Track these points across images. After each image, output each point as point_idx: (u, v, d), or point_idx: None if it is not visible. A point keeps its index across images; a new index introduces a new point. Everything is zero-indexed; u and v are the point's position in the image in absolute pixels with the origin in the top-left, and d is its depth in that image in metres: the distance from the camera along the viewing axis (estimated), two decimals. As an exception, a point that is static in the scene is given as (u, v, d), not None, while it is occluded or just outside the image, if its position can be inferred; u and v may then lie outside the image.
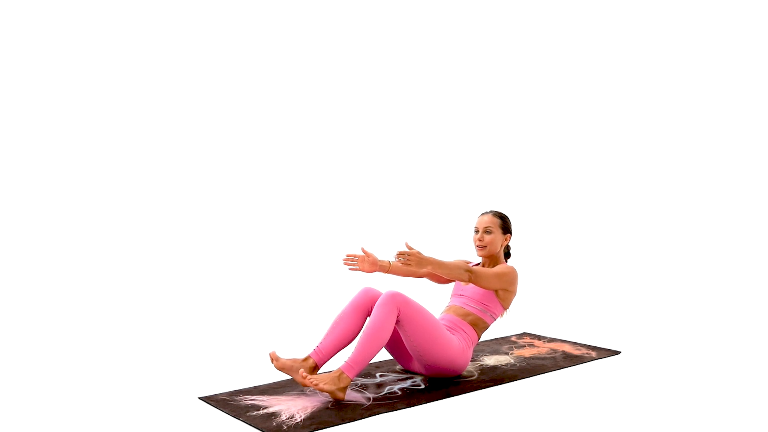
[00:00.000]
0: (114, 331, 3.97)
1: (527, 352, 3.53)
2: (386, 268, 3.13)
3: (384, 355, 3.46)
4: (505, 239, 3.22)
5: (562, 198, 6.01)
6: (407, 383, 2.99)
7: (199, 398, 2.78)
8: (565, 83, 6.03)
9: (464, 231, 4.97)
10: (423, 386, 2.95)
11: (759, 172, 5.13)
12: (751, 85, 5.16)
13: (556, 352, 3.52)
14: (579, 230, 5.84)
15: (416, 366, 3.06)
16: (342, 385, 2.69)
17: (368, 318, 2.96)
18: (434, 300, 4.13)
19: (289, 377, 3.01)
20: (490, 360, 3.38)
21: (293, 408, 2.64)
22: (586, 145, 5.93)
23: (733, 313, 4.33)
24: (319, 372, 2.98)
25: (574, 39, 5.97)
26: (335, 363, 3.14)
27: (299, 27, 6.02)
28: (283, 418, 2.54)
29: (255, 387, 2.94)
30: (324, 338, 2.88)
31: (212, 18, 5.76)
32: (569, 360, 3.37)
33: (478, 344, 3.70)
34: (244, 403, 2.72)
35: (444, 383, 2.99)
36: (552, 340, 3.81)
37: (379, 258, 3.12)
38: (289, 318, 4.37)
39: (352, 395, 2.81)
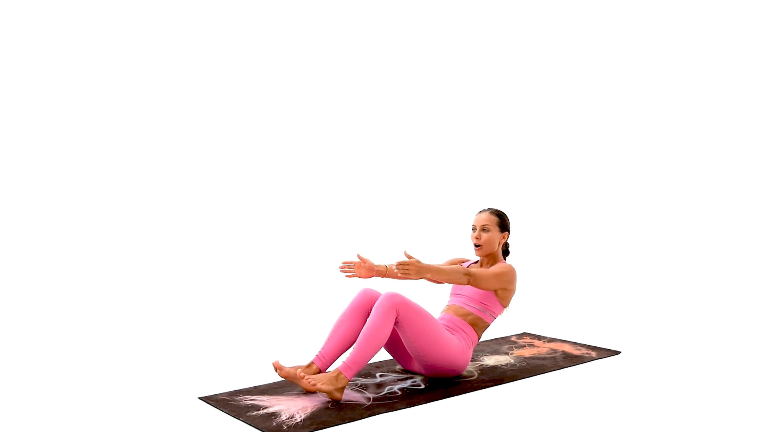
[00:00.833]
0: (114, 332, 3.97)
1: (527, 352, 3.53)
2: (383, 273, 3.11)
3: (384, 355, 3.46)
4: (503, 237, 3.20)
5: (562, 198, 6.01)
6: (407, 383, 2.99)
7: (199, 398, 2.78)
8: (565, 81, 6.03)
9: (464, 230, 4.97)
10: (423, 386, 2.95)
11: (759, 172, 5.13)
12: (751, 84, 5.16)
13: (556, 352, 3.52)
14: (579, 230, 5.84)
15: (416, 366, 3.06)
16: (339, 385, 2.69)
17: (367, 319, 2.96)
18: (434, 300, 4.13)
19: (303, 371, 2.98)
20: (490, 360, 3.38)
21: (293, 408, 2.64)
22: (587, 145, 5.93)
23: (733, 313, 4.33)
24: None
25: (570, 35, 5.97)
26: (336, 365, 3.14)
27: (294, 27, 6.02)
28: (283, 418, 2.54)
29: (255, 387, 2.94)
30: (326, 343, 2.88)
31: (211, 18, 5.76)
32: (569, 360, 3.37)
33: (478, 344, 3.70)
34: (244, 403, 2.72)
35: (444, 383, 2.99)
36: (552, 340, 3.81)
37: (376, 263, 3.12)
38: (289, 318, 4.37)
39: (352, 395, 2.81)
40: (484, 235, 3.15)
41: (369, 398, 2.78)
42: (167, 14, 5.60)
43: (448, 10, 6.27)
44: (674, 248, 5.35)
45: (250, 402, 2.73)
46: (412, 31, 6.27)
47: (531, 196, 6.13)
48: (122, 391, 2.90)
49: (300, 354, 3.41)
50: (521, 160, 6.24)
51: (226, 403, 2.72)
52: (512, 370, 3.20)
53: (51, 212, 5.25)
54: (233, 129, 5.87)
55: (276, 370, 2.83)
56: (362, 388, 2.91)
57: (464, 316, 3.09)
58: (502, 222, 3.20)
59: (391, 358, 3.38)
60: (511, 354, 3.51)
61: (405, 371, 3.16)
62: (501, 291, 3.09)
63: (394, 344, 3.05)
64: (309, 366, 2.84)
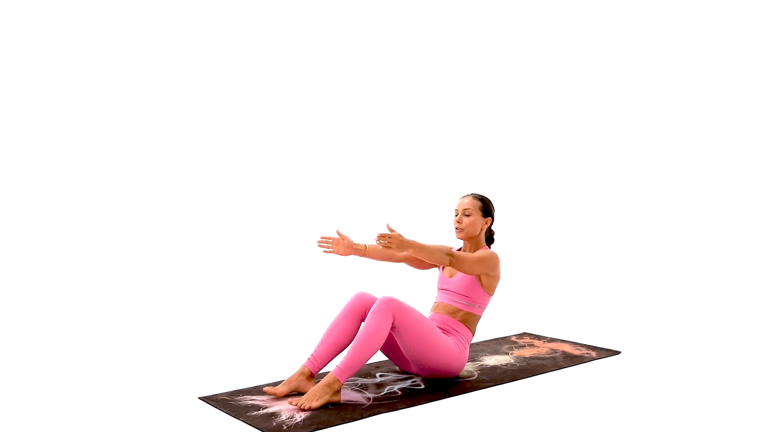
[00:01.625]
0: (114, 332, 3.97)
1: (527, 352, 3.53)
2: (362, 252, 3.06)
3: (383, 356, 3.46)
4: (486, 223, 3.14)
5: (562, 198, 6.01)
6: (407, 383, 2.99)
7: (199, 398, 2.78)
8: (565, 80, 6.03)
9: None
10: (423, 386, 2.95)
11: (759, 172, 5.13)
12: (750, 84, 5.16)
13: (556, 352, 3.52)
14: (579, 230, 5.84)
15: (413, 368, 3.05)
16: (334, 390, 2.68)
17: (362, 324, 2.95)
18: (429, 301, 4.13)
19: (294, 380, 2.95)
20: (490, 360, 3.38)
21: (293, 408, 2.64)
22: (587, 145, 5.93)
23: (733, 313, 4.33)
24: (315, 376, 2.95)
25: (561, 30, 5.97)
26: (331, 367, 3.13)
27: (284, 25, 6.02)
28: (283, 418, 2.54)
29: (255, 387, 2.94)
30: (318, 346, 2.85)
31: (204, 17, 5.76)
32: (569, 360, 3.37)
33: (478, 344, 3.70)
34: (244, 403, 2.72)
35: (444, 383, 2.99)
36: (552, 340, 3.81)
37: (355, 242, 3.07)
38: (289, 318, 4.37)
39: (352, 395, 2.81)
40: (466, 219, 3.10)
41: (369, 398, 2.78)
42: (165, 14, 5.60)
43: (437, 4, 6.27)
44: (674, 248, 5.35)
45: (250, 402, 2.73)
46: (401, 23, 6.27)
47: (531, 195, 6.13)
48: (122, 391, 2.90)
49: (300, 354, 3.40)
50: (522, 159, 6.24)
51: (226, 403, 2.72)
52: (512, 370, 3.20)
53: (51, 212, 5.25)
54: (219, 128, 5.87)
55: (275, 396, 2.77)
56: (362, 388, 2.91)
57: (454, 314, 3.06)
58: (485, 207, 3.15)
59: (390, 358, 3.38)
60: (511, 354, 3.51)
61: (405, 371, 3.16)
62: (485, 279, 3.05)
63: (390, 348, 3.03)
64: (301, 372, 2.81)
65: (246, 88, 5.92)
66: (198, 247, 5.61)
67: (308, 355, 2.98)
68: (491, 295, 3.11)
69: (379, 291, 3.73)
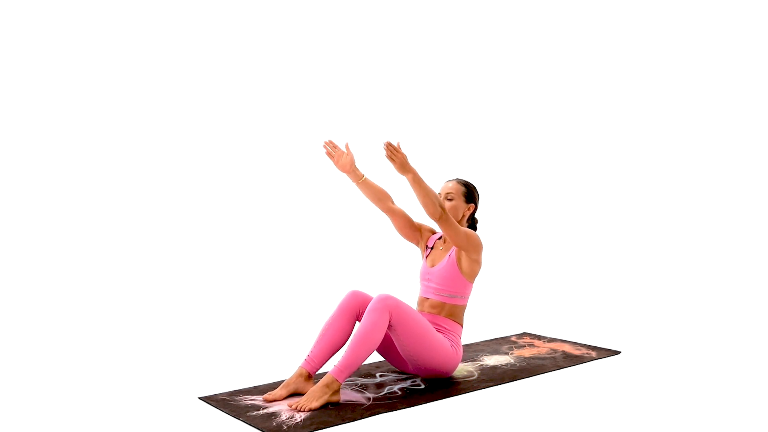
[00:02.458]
0: (114, 332, 3.97)
1: (527, 352, 3.53)
2: (359, 178, 3.05)
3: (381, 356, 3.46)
4: (468, 209, 3.11)
5: (562, 198, 6.00)
6: (407, 383, 2.99)
7: (199, 398, 2.78)
8: (565, 79, 6.03)
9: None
10: (423, 386, 2.95)
11: (759, 172, 5.13)
12: (750, 84, 5.16)
13: (556, 352, 3.52)
14: (579, 230, 5.84)
15: (409, 368, 3.04)
16: (333, 390, 2.68)
17: (357, 322, 2.95)
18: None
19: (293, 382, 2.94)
20: (490, 360, 3.38)
21: (292, 409, 2.64)
22: (587, 145, 5.92)
23: (733, 313, 4.33)
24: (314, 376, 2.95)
25: (553, 25, 5.97)
26: (328, 366, 3.12)
27: (283, 24, 6.02)
28: (283, 418, 2.55)
29: (255, 387, 2.94)
30: (314, 346, 2.85)
31: (202, 16, 5.76)
32: (569, 360, 3.37)
33: (478, 344, 3.70)
34: (244, 403, 2.72)
35: (444, 383, 2.99)
36: (552, 340, 3.81)
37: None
38: (289, 318, 4.37)
39: (352, 395, 2.81)
40: (448, 204, 3.06)
41: (369, 398, 2.78)
42: (164, 13, 5.60)
43: (429, 3, 6.27)
44: (674, 248, 5.35)
45: (250, 402, 2.73)
46: (396, 22, 6.27)
47: (531, 195, 6.13)
48: (122, 391, 2.90)
49: (299, 353, 3.40)
50: (522, 159, 6.24)
51: (226, 403, 2.72)
52: (512, 370, 3.20)
53: (50, 212, 5.25)
54: (216, 128, 5.86)
55: (275, 400, 2.74)
56: (362, 388, 2.91)
57: (439, 310, 3.02)
58: (469, 193, 3.11)
59: (389, 359, 3.38)
60: (511, 354, 3.51)
61: (403, 371, 3.16)
62: (466, 265, 3.00)
63: (386, 347, 3.03)
64: (299, 373, 2.81)
65: (240, 87, 5.91)
66: (197, 247, 5.61)
67: (305, 356, 2.98)
68: (472, 284, 3.07)
69: (373, 288, 3.72)
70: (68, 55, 5.32)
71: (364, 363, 3.22)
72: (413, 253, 4.90)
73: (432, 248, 3.18)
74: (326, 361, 2.85)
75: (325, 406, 2.64)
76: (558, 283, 5.35)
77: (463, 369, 3.21)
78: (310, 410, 2.60)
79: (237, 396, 2.81)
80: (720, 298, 4.67)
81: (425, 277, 3.14)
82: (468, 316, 4.24)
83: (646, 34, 5.59)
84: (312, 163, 6.08)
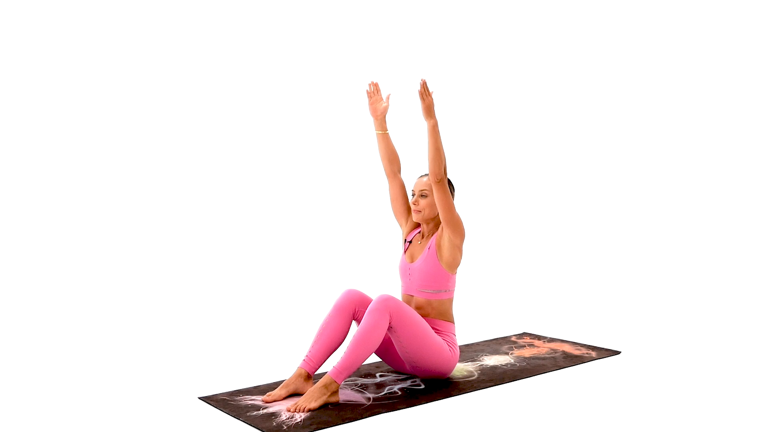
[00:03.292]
0: (114, 331, 3.97)
1: (527, 352, 3.53)
2: (383, 129, 3.18)
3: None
4: None
5: (562, 198, 6.00)
6: (407, 383, 2.99)
7: (199, 398, 2.78)
8: (565, 79, 6.03)
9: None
10: (423, 386, 2.95)
11: (759, 172, 5.13)
12: (750, 84, 5.16)
13: (556, 352, 3.52)
14: (579, 230, 5.83)
15: (407, 368, 3.03)
16: (331, 390, 2.68)
17: (354, 321, 2.95)
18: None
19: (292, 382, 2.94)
20: (490, 360, 3.38)
21: (291, 410, 2.64)
22: (587, 145, 5.92)
23: (733, 313, 4.32)
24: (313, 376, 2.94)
25: (546, 23, 5.97)
26: (327, 366, 3.12)
27: (280, 25, 6.02)
28: (283, 418, 2.55)
29: (255, 387, 2.94)
30: (312, 346, 2.85)
31: (200, 16, 5.76)
32: (569, 360, 3.37)
33: (478, 344, 3.70)
34: (244, 403, 2.72)
35: (444, 383, 2.99)
36: (552, 340, 3.81)
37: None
38: (289, 318, 4.37)
39: (352, 395, 2.81)
40: (422, 201, 3.01)
41: (369, 398, 2.78)
42: (164, 13, 5.61)
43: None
44: (674, 248, 5.34)
45: (250, 402, 2.73)
46: (391, 20, 6.27)
47: (531, 195, 6.13)
48: (122, 391, 2.90)
49: (299, 352, 3.40)
50: (522, 159, 6.23)
51: (226, 403, 2.72)
52: (512, 370, 3.20)
53: (50, 212, 5.25)
54: (213, 128, 5.86)
55: (275, 400, 2.74)
56: (362, 388, 2.91)
57: (428, 310, 2.98)
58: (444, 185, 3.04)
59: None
60: (511, 354, 3.51)
61: (402, 371, 3.16)
62: (447, 250, 2.95)
63: (384, 348, 3.01)
64: (299, 373, 2.80)
65: (236, 87, 5.91)
66: (197, 247, 5.61)
67: (303, 356, 2.98)
68: (454, 275, 3.02)
69: (369, 287, 3.71)
70: (68, 55, 5.32)
71: (364, 363, 3.22)
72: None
73: (410, 243, 3.13)
74: (324, 361, 2.86)
75: (324, 407, 2.64)
76: (558, 283, 5.35)
77: (463, 369, 3.21)
78: (308, 411, 2.60)
79: (237, 396, 2.81)
80: (720, 298, 4.67)
81: (405, 273, 3.08)
82: (468, 316, 4.24)
83: (642, 31, 5.59)
84: (312, 163, 6.08)
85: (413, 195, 3.06)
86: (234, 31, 5.84)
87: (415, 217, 3.05)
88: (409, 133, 4.19)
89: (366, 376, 3.10)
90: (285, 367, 3.21)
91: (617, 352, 3.49)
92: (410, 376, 3.08)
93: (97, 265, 5.22)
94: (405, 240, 3.18)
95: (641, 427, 2.45)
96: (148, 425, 2.49)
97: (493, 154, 6.27)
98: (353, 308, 2.90)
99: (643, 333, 3.90)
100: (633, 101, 5.69)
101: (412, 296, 3.05)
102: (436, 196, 2.88)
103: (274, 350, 3.57)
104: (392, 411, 2.63)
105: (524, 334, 3.97)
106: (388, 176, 3.22)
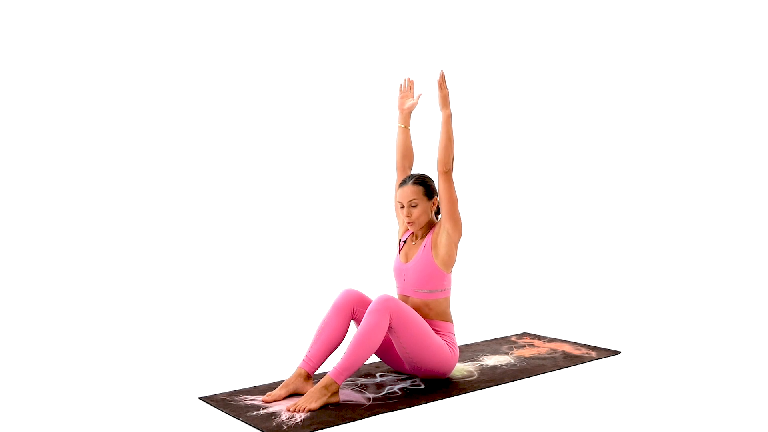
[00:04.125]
0: (114, 331, 3.97)
1: (527, 352, 3.53)
2: (406, 124, 3.27)
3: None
4: (433, 204, 3.02)
5: (562, 198, 6.00)
6: (407, 383, 2.99)
7: (199, 398, 2.78)
8: (565, 79, 6.03)
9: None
10: (423, 386, 2.95)
11: (759, 172, 5.13)
12: (750, 84, 5.16)
13: (556, 352, 3.52)
14: (579, 230, 5.83)
15: (407, 369, 3.03)
16: (331, 391, 2.68)
17: (353, 320, 2.95)
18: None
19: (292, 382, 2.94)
20: (490, 360, 3.38)
21: (291, 411, 2.64)
22: (586, 144, 5.92)
23: (733, 313, 4.32)
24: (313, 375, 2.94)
25: (543, 22, 5.97)
26: (327, 366, 3.12)
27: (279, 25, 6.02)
28: (283, 418, 2.55)
29: (255, 387, 2.94)
30: (311, 346, 2.85)
31: (197, 16, 5.76)
32: (569, 360, 3.37)
33: (478, 344, 3.70)
34: (244, 403, 2.72)
35: (444, 383, 2.99)
36: (552, 340, 3.81)
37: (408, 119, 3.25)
38: (289, 318, 4.37)
39: (352, 395, 2.81)
40: (415, 211, 2.97)
41: (369, 398, 2.78)
42: (163, 13, 5.61)
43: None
44: (674, 248, 5.35)
45: (250, 402, 2.73)
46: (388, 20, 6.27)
47: (531, 195, 6.13)
48: (122, 391, 2.90)
49: (299, 352, 3.40)
50: (522, 159, 6.23)
51: (226, 403, 2.72)
52: (512, 370, 3.20)
53: (50, 212, 5.25)
54: (211, 128, 5.86)
55: (275, 400, 2.74)
56: (362, 388, 2.91)
57: (426, 311, 2.97)
58: (428, 189, 3.01)
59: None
60: (511, 354, 3.51)
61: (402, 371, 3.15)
62: (444, 246, 2.93)
63: (384, 348, 3.01)
64: (298, 373, 2.80)
65: (236, 87, 5.91)
66: (197, 248, 5.61)
67: (303, 356, 2.98)
68: (450, 273, 3.00)
69: (367, 287, 3.71)
70: (68, 55, 5.32)
71: (364, 363, 3.22)
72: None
73: (405, 242, 3.12)
74: (324, 361, 2.86)
75: (324, 407, 2.64)
76: (558, 283, 5.35)
77: (463, 369, 3.21)
78: (308, 411, 2.60)
79: (237, 396, 2.81)
80: (720, 298, 4.67)
81: (400, 273, 3.05)
82: (468, 316, 4.24)
83: (641, 30, 5.59)
84: (311, 163, 6.09)
85: (402, 206, 3.00)
86: (237, 30, 5.84)
87: (410, 229, 3.04)
88: (424, 131, 4.20)
89: (366, 376, 3.10)
90: (285, 367, 3.21)
91: (617, 352, 3.49)
92: (410, 376, 3.08)
93: (97, 266, 5.22)
94: (399, 240, 3.18)
95: (641, 427, 2.45)
96: (148, 425, 2.49)
97: (493, 154, 6.27)
98: (352, 308, 2.90)
99: (643, 333, 3.90)
100: (633, 101, 5.69)
101: (408, 297, 3.03)
102: (441, 187, 2.92)
103: (274, 350, 3.57)
104: (392, 411, 2.63)
105: (524, 334, 3.97)
106: (398, 170, 3.25)
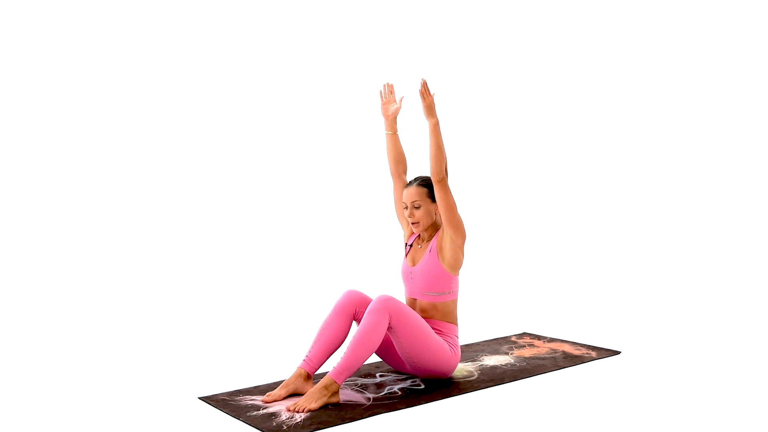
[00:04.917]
0: (114, 331, 3.97)
1: (527, 352, 3.53)
2: (393, 131, 3.20)
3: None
4: (437, 206, 3.00)
5: (562, 198, 6.00)
6: (407, 383, 2.99)
7: (199, 398, 2.78)
8: (564, 80, 6.03)
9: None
10: (423, 386, 2.95)
11: (759, 172, 5.13)
12: (750, 84, 5.16)
13: (556, 352, 3.52)
14: (579, 230, 5.84)
15: (407, 369, 3.03)
16: (331, 391, 2.68)
17: (354, 321, 2.95)
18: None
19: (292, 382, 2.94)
20: (490, 360, 3.38)
21: (291, 411, 2.64)
22: (586, 145, 5.92)
23: (733, 313, 4.32)
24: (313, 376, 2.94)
25: (543, 22, 5.97)
26: (327, 366, 3.12)
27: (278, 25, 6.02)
28: (283, 418, 2.55)
29: (255, 387, 2.94)
30: (312, 346, 2.85)
31: (196, 16, 5.76)
32: (569, 360, 3.37)
33: (478, 344, 3.70)
34: (244, 403, 2.72)
35: (444, 383, 2.99)
36: (552, 340, 3.81)
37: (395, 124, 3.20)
38: (289, 317, 4.37)
39: (352, 395, 2.81)
40: (418, 212, 2.99)
41: (369, 398, 2.78)
42: (162, 13, 5.61)
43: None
44: (674, 248, 5.35)
45: (250, 402, 2.74)
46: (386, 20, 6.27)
47: (531, 196, 6.13)
48: (122, 391, 2.90)
49: (299, 352, 3.40)
50: (521, 159, 6.23)
51: (226, 403, 2.72)
52: (512, 370, 3.21)
53: (50, 212, 5.25)
54: (211, 128, 5.86)
55: (275, 400, 2.74)
56: (362, 388, 2.91)
57: (432, 312, 2.98)
58: (431, 191, 3.01)
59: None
60: (511, 354, 3.51)
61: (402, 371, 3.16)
62: (450, 250, 2.93)
63: (384, 348, 3.01)
64: (298, 373, 2.80)
65: (237, 88, 5.91)
66: (197, 248, 5.61)
67: (303, 356, 2.98)
68: (457, 276, 3.01)
69: (369, 288, 3.72)
70: (68, 55, 5.33)
71: (364, 363, 3.22)
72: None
73: (411, 246, 3.13)
74: (324, 361, 2.86)
75: (324, 407, 2.65)
76: (558, 283, 5.35)
77: (463, 369, 3.21)
78: (308, 411, 2.60)
79: (237, 396, 2.81)
80: (720, 298, 4.67)
81: (408, 277, 3.07)
82: (468, 316, 4.24)
83: (641, 30, 5.59)
84: (313, 165, 6.09)
85: (406, 207, 3.03)
86: (237, 32, 5.84)
87: (414, 230, 3.04)
88: (416, 135, 4.20)
89: (366, 376, 3.10)
90: (285, 367, 3.21)
91: (617, 352, 3.49)
92: (410, 376, 3.08)
93: (97, 266, 5.22)
94: (406, 244, 3.18)
95: (641, 427, 2.45)
96: (148, 425, 2.49)
97: (493, 154, 6.27)
98: (354, 309, 2.90)
99: (643, 333, 3.90)
100: (632, 101, 5.69)
101: (416, 300, 3.05)
102: (437, 195, 2.89)
103: (274, 350, 3.57)
104: (392, 411, 2.63)
105: (524, 334, 3.97)
106: (393, 177, 3.23)
